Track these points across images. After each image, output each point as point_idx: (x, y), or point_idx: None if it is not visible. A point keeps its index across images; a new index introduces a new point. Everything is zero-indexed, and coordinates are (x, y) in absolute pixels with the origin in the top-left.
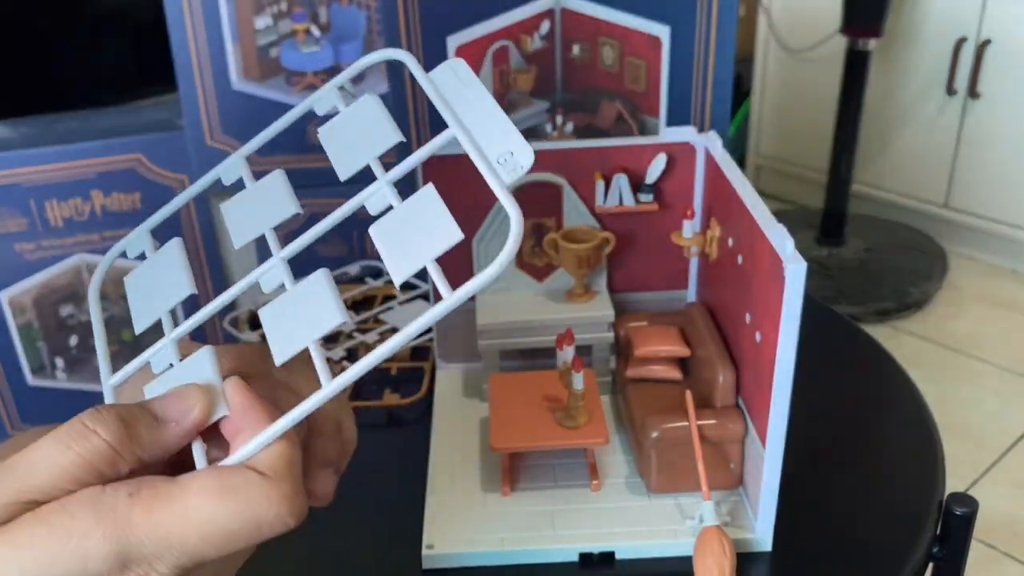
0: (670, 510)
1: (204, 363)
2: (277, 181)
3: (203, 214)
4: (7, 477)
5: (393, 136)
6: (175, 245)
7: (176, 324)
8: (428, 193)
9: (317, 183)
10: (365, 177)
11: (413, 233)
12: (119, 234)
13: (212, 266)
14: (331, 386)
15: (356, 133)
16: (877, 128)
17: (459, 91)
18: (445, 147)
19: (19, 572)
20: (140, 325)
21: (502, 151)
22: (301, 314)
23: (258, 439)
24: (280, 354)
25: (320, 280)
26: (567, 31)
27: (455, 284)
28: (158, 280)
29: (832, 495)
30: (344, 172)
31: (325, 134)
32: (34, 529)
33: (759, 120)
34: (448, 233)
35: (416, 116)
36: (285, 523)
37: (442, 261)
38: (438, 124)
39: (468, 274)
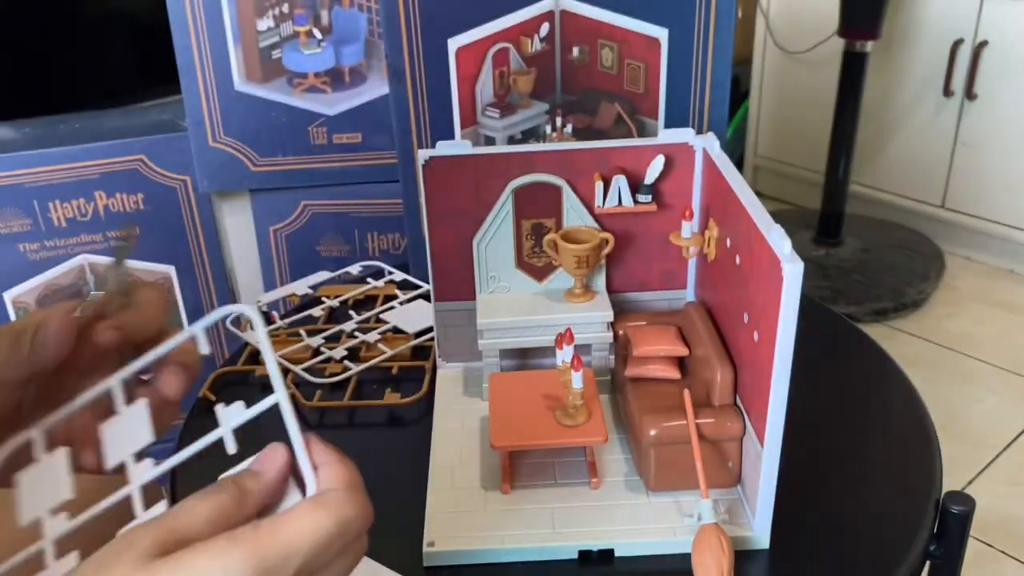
0: (669, 508)
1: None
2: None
3: (205, 214)
4: (158, 521)
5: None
6: (140, 406)
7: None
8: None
9: (317, 183)
10: (368, 177)
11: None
12: (122, 235)
13: (213, 266)
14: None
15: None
16: (874, 129)
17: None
18: (446, 148)
19: None
20: (110, 463)
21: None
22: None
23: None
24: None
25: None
26: (566, 33)
27: (455, 285)
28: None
29: (829, 493)
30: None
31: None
32: (194, 557)
33: (757, 121)
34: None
35: (416, 116)
36: (366, 520)
37: (443, 262)
38: (438, 123)
39: (469, 275)
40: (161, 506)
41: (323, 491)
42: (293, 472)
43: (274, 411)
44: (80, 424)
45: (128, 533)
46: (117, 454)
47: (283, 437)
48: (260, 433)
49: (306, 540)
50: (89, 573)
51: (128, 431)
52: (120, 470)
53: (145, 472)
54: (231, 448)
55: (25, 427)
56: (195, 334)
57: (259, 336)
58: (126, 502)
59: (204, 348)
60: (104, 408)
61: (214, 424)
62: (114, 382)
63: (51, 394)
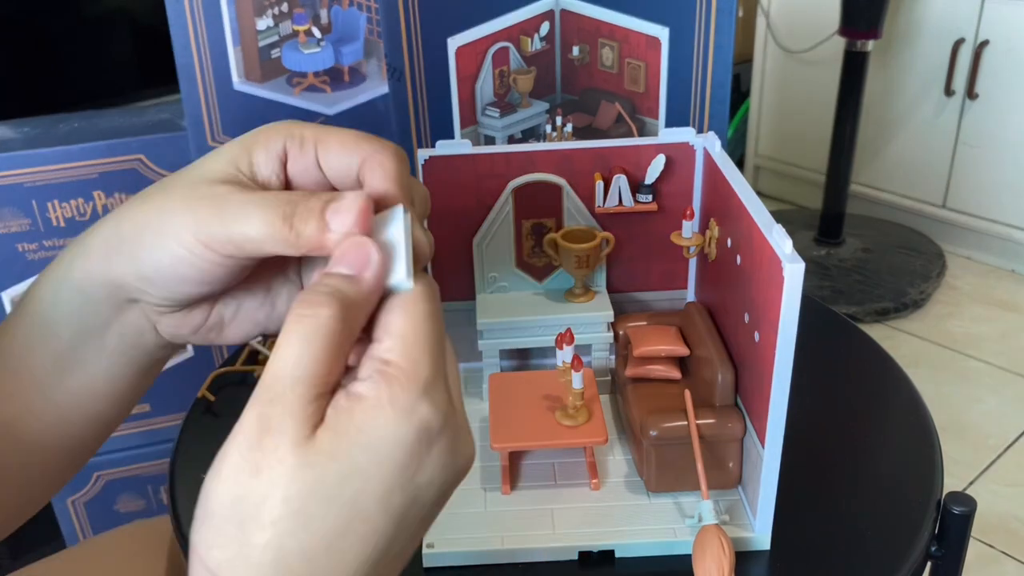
0: (669, 509)
1: (396, 224)
2: None
3: None
4: (285, 393)
5: None
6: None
7: None
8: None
9: None
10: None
11: None
12: None
13: None
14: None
15: None
16: (875, 129)
17: None
18: (446, 147)
19: (374, 454)
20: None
21: None
22: None
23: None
24: None
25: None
26: (567, 32)
27: (456, 286)
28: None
29: (830, 494)
30: None
31: None
32: (362, 417)
33: (758, 121)
34: None
35: (416, 115)
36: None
37: (443, 262)
38: (438, 124)
39: (469, 275)
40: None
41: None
42: None
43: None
44: None
45: (261, 421)
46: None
47: None
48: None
49: (433, 334)
50: (246, 478)
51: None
52: None
53: None
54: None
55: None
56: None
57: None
58: None
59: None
60: None
61: (214, 424)
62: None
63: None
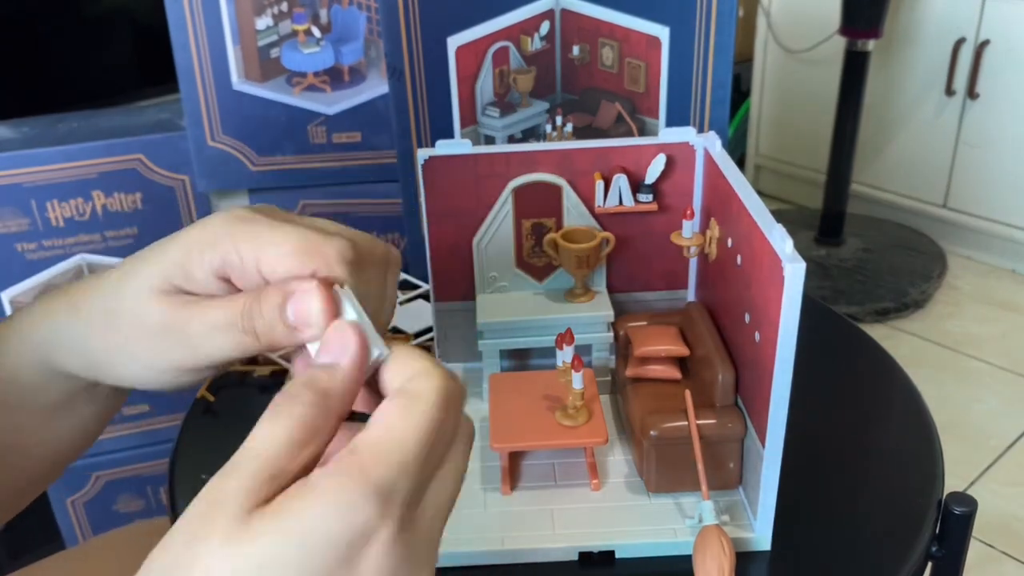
0: (669, 509)
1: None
2: None
3: (203, 213)
4: (241, 467)
5: None
6: None
7: None
8: None
9: (316, 183)
10: (367, 176)
11: None
12: (120, 234)
13: None
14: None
15: None
16: (876, 128)
17: None
18: (446, 147)
19: (299, 545)
20: None
21: None
22: None
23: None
24: None
25: None
26: (567, 32)
27: (455, 285)
28: None
29: (831, 494)
30: None
31: None
32: (301, 506)
33: (758, 120)
34: None
35: (416, 115)
36: (462, 392)
37: (443, 261)
38: (438, 124)
39: (469, 275)
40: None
41: (404, 381)
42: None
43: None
44: None
45: (210, 492)
46: None
47: None
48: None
49: (415, 443)
50: (180, 547)
51: None
52: None
53: None
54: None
55: None
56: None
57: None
58: None
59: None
60: None
61: (213, 424)
62: None
63: None
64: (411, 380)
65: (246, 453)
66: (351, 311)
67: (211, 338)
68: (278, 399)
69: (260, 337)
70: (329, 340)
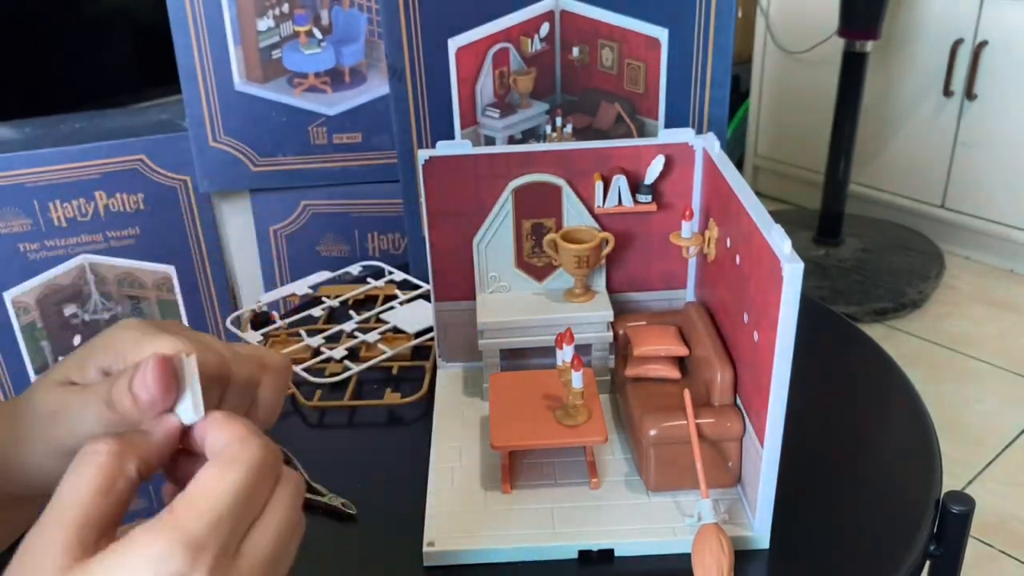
0: (669, 508)
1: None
2: None
3: (205, 214)
4: (51, 525)
5: None
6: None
7: None
8: None
9: (317, 183)
10: (368, 177)
11: None
12: (122, 234)
13: (213, 266)
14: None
15: None
16: (874, 129)
17: None
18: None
19: None
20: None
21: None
22: None
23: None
24: None
25: None
26: (566, 33)
27: (455, 285)
28: None
29: (829, 493)
30: None
31: None
32: (118, 559)
33: (757, 121)
34: None
35: (416, 116)
36: (277, 456)
37: (443, 262)
38: (438, 124)
39: (469, 275)
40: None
41: (222, 447)
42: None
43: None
44: None
45: (33, 540)
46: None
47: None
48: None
49: (226, 499)
50: None
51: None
52: None
53: None
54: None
55: None
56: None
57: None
58: None
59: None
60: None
61: None
62: None
63: None
64: (228, 446)
65: (57, 505)
66: (188, 375)
67: (82, 415)
68: (83, 449)
69: (116, 406)
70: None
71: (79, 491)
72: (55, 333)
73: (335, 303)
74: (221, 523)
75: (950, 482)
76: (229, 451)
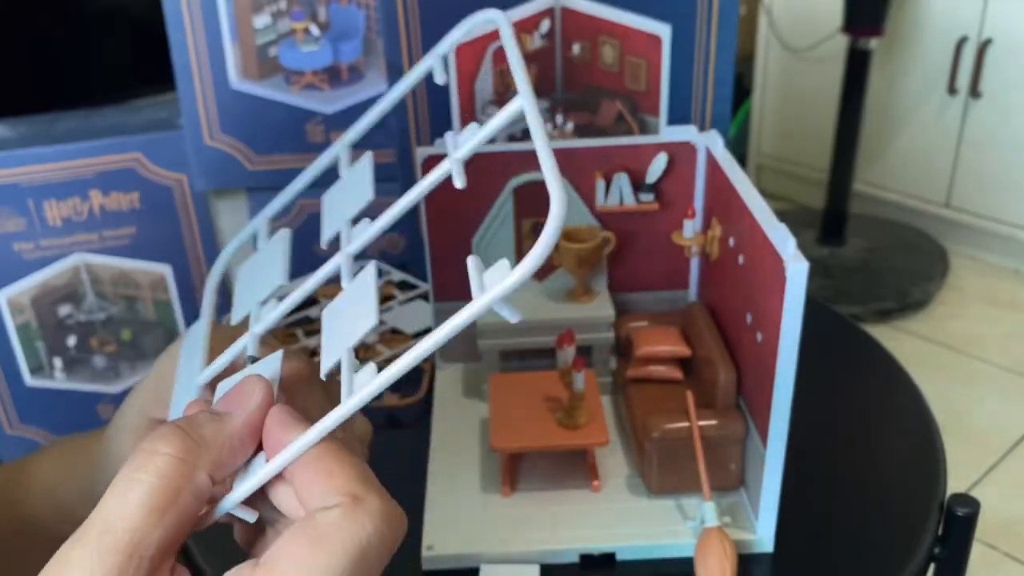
0: (671, 511)
1: (272, 365)
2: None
3: (201, 213)
4: (91, 544)
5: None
6: (282, 237)
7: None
8: (367, 276)
9: (315, 182)
10: (377, 175)
11: (345, 320)
12: (118, 234)
13: (209, 265)
14: (350, 404)
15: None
16: (878, 128)
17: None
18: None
19: None
20: (238, 316)
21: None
22: (347, 317)
23: (293, 447)
24: (323, 367)
25: (367, 277)
26: (567, 30)
27: (455, 285)
28: (260, 272)
29: (833, 496)
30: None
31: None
32: None
33: (760, 119)
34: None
35: (415, 114)
36: (393, 536)
37: (443, 261)
38: (437, 121)
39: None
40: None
41: (319, 516)
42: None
43: None
44: None
45: (66, 554)
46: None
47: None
48: None
49: None
50: None
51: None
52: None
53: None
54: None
55: None
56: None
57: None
58: None
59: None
60: None
61: None
62: None
63: None
64: (330, 511)
65: (96, 525)
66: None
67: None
68: (141, 444)
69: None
70: (235, 389)
71: (129, 507)
72: (50, 333)
73: None
74: None
75: (955, 484)
76: (330, 522)
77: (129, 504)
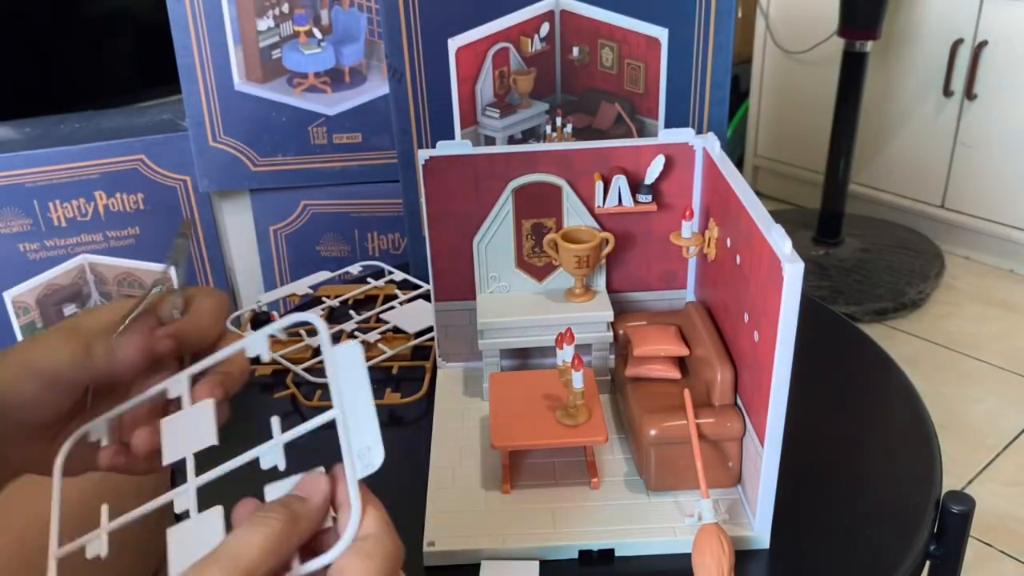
0: (669, 508)
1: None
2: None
3: (204, 214)
4: (220, 559)
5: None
6: (207, 406)
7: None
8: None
9: (317, 183)
10: (368, 177)
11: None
12: (122, 234)
13: (213, 266)
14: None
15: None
16: (874, 129)
17: (350, 374)
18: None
19: None
20: (167, 459)
21: (362, 445)
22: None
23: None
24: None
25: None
26: (567, 33)
27: (455, 285)
28: (188, 426)
29: (830, 493)
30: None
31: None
32: None
33: (757, 121)
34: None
35: (416, 116)
36: (402, 558)
37: (443, 262)
38: (438, 125)
39: (469, 275)
40: (216, 512)
41: (365, 535)
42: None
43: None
44: (130, 421)
45: (192, 572)
46: (176, 452)
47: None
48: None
49: None
50: None
51: (192, 430)
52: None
53: (203, 476)
54: (281, 464)
55: (85, 420)
56: (253, 342)
57: (325, 347)
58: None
59: (265, 355)
60: (158, 407)
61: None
62: (172, 383)
63: (109, 391)
64: (375, 537)
65: (226, 547)
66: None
67: (60, 347)
68: (258, 512)
69: (94, 359)
70: (306, 481)
71: (251, 543)
72: None
73: (335, 303)
74: None
75: (950, 482)
76: (375, 544)
77: (251, 541)
